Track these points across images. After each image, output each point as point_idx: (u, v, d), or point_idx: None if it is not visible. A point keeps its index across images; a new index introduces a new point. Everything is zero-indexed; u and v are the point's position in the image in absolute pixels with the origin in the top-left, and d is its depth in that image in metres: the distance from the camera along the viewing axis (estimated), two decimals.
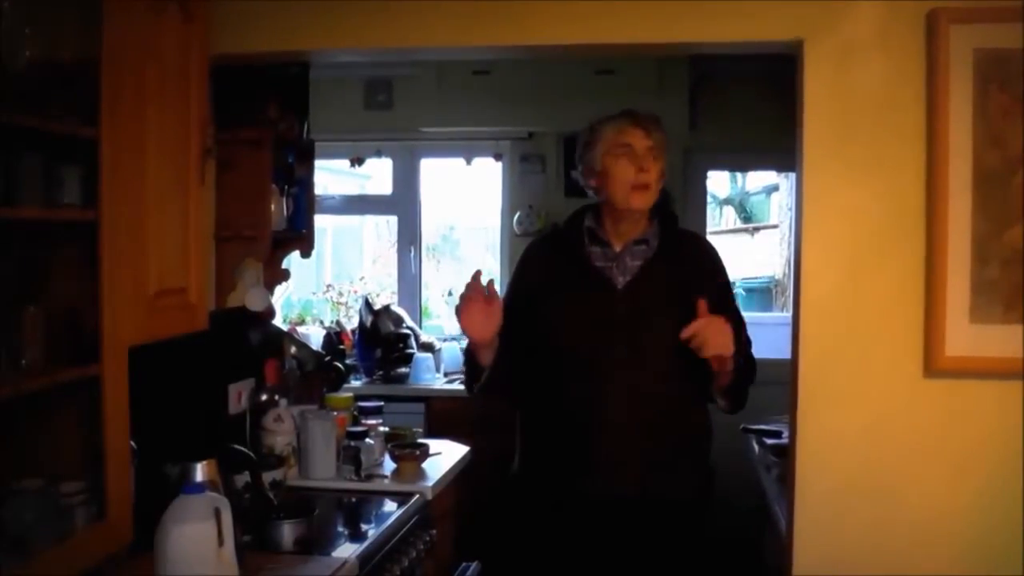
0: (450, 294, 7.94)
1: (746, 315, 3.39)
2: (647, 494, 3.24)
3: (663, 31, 3.28)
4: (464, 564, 4.28)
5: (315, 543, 3.33)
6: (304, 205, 4.47)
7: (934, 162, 3.07)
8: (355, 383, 6.56)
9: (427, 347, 7.06)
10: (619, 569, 3.28)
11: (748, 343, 3.36)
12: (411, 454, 4.31)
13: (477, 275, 3.20)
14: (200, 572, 2.64)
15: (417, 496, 3.98)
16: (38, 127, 2.36)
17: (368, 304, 7.02)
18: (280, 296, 6.76)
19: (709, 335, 3.10)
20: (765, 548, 4.25)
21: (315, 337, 6.76)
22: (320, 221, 5.03)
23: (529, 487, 3.41)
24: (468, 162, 7.52)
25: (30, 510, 2.40)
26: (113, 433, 2.58)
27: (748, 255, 9.59)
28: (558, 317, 3.31)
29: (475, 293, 3.17)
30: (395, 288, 7.73)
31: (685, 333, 3.10)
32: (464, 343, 3.72)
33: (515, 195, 7.38)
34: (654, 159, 3.27)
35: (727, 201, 10.12)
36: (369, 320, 6.93)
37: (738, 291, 8.41)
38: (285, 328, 5.62)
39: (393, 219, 7.85)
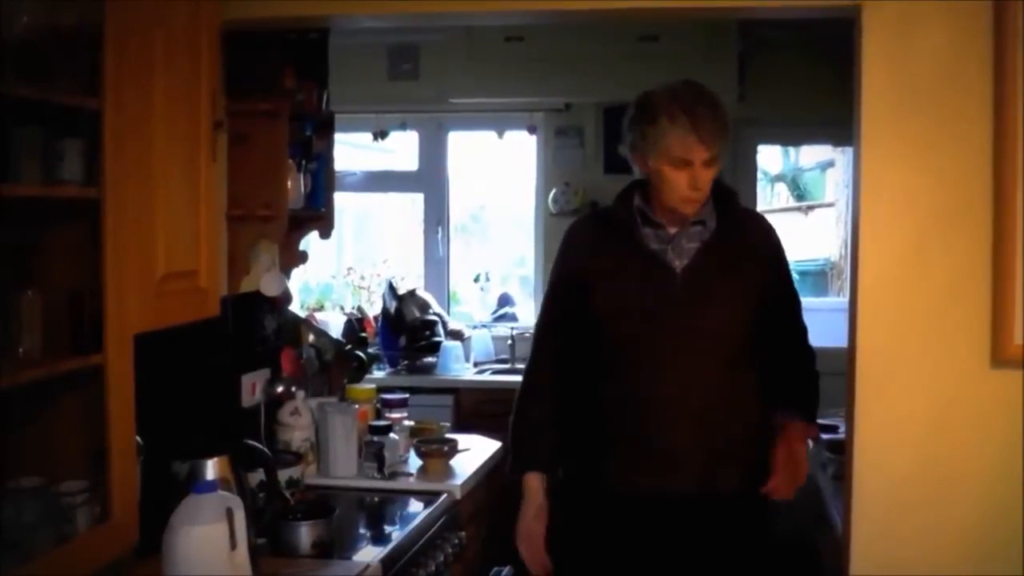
0: (476, 279, 7.94)
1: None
2: (703, 488, 3.23)
3: None
4: (495, 568, 4.28)
5: (335, 546, 3.34)
6: (323, 182, 4.47)
7: (1001, 137, 3.04)
8: (378, 374, 6.57)
9: (455, 335, 7.07)
10: (676, 568, 3.27)
11: (804, 332, 3.43)
12: (438, 450, 4.32)
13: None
14: None
15: (445, 495, 3.99)
16: (37, 98, 2.37)
17: (392, 288, 7.04)
18: (297, 280, 6.78)
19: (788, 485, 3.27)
20: (821, 549, 4.23)
21: (335, 324, 6.76)
22: (340, 199, 5.02)
23: (575, 483, 3.39)
24: (500, 135, 7.53)
25: (29, 510, 2.41)
26: (117, 428, 2.58)
27: (802, 235, 9.51)
28: (612, 305, 3.28)
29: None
30: (421, 271, 7.75)
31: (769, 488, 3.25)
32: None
33: (550, 171, 7.37)
34: (710, 167, 3.18)
35: (779, 177, 10.06)
36: (393, 306, 6.95)
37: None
38: (303, 315, 5.64)
39: (419, 197, 7.86)
